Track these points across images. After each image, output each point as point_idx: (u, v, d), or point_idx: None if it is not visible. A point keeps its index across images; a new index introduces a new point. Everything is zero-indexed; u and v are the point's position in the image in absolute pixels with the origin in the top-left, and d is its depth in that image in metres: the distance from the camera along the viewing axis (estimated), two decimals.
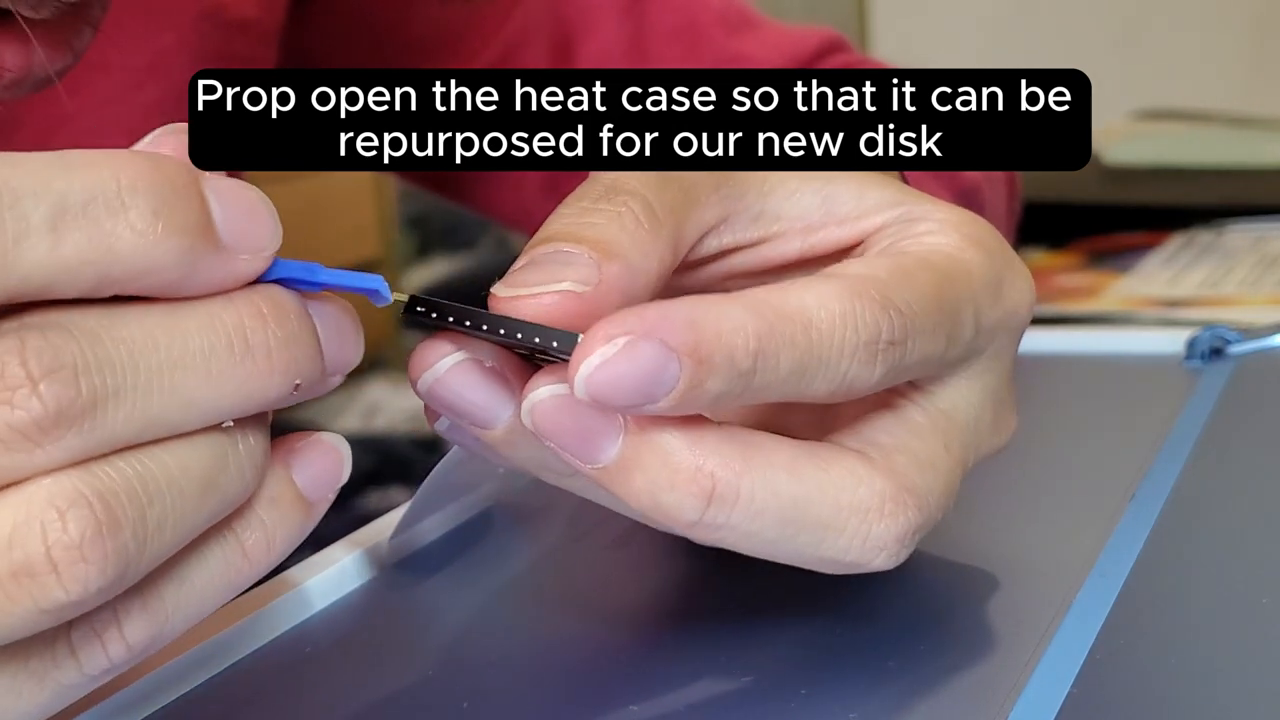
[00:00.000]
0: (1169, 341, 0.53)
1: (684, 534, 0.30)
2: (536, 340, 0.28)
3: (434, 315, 0.29)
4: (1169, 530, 0.37)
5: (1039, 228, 0.83)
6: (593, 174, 0.32)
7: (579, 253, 0.29)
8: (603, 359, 0.27)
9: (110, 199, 0.24)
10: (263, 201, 0.26)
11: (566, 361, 0.28)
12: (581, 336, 0.27)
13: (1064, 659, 0.31)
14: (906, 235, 0.33)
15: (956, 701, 0.30)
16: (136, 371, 0.24)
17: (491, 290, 0.29)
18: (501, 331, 0.28)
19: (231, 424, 0.26)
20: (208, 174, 0.26)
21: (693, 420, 0.29)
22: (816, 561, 0.30)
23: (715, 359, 0.27)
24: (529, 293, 0.28)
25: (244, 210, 0.26)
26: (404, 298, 0.29)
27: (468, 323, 0.28)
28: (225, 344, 0.25)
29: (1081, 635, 0.32)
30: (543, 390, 0.28)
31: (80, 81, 0.37)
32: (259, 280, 0.26)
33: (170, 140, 0.27)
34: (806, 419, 0.34)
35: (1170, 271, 0.76)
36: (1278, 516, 0.38)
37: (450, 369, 0.29)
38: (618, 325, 0.27)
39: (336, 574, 0.38)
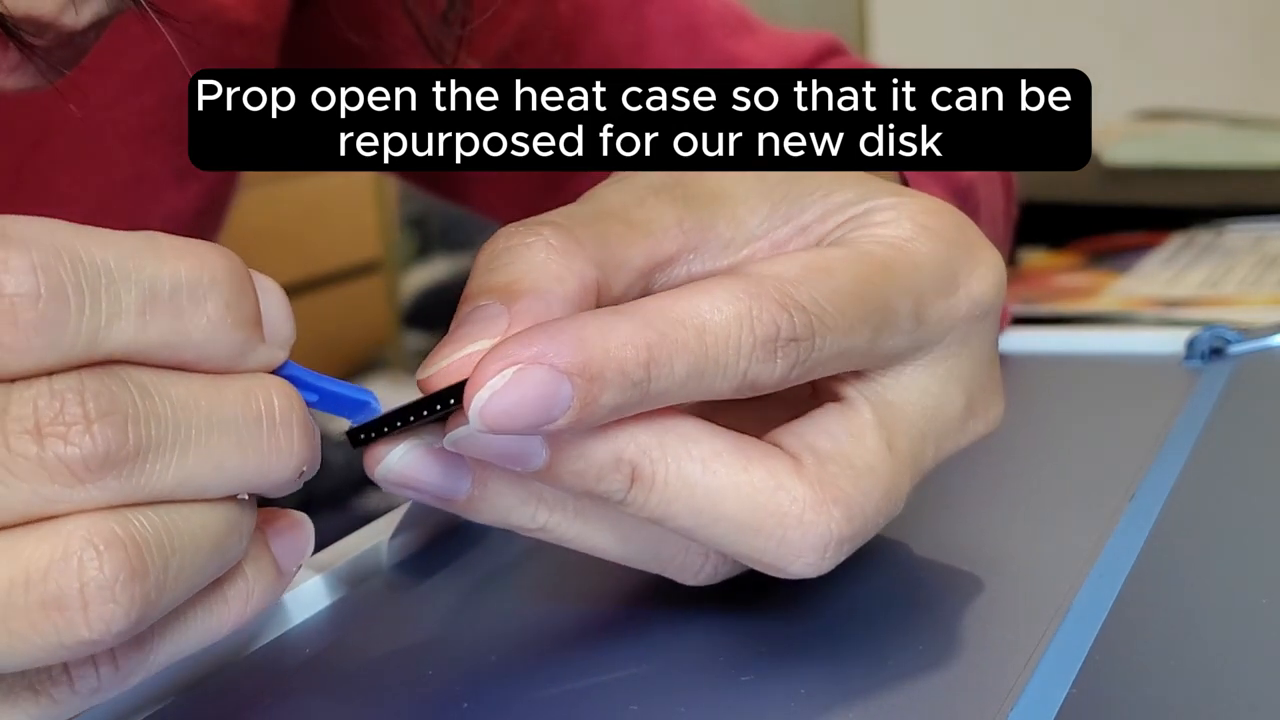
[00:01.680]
0: (1169, 341, 0.53)
1: (617, 510, 0.31)
2: (453, 401, 0.29)
3: (374, 435, 0.31)
4: (1169, 530, 0.37)
5: (1039, 228, 0.83)
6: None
7: (488, 304, 0.30)
8: (491, 391, 0.28)
9: (194, 290, 0.26)
10: (286, 298, 0.28)
11: None
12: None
13: (1064, 659, 0.31)
14: (859, 227, 0.33)
15: (956, 701, 0.30)
16: (178, 428, 0.26)
17: (417, 376, 0.30)
18: (433, 410, 0.30)
19: (246, 497, 0.28)
20: (248, 270, 0.28)
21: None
22: (738, 556, 0.31)
23: (606, 374, 0.28)
24: (442, 365, 0.30)
25: (278, 306, 0.28)
26: (344, 434, 0.31)
27: (410, 419, 0.30)
28: (256, 417, 0.27)
29: (1081, 635, 0.32)
30: (459, 431, 0.29)
31: (78, 84, 0.37)
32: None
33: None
34: (746, 408, 0.35)
35: (1170, 271, 0.76)
36: (1278, 516, 0.38)
37: (400, 458, 0.31)
38: (502, 357, 0.28)
39: (336, 574, 0.38)
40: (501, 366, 0.28)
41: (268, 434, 0.27)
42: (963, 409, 0.34)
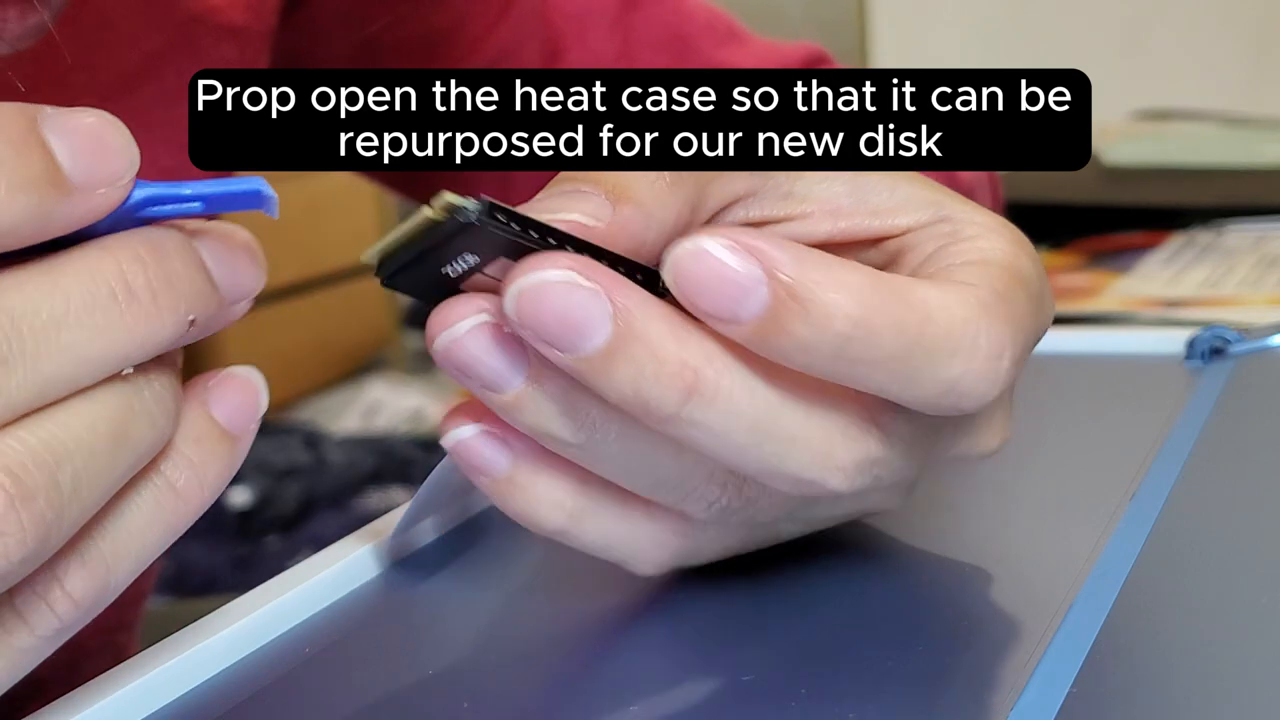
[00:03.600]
0: (1169, 341, 0.53)
1: (658, 428, 0.29)
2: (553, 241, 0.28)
3: (499, 217, 0.28)
4: (1169, 530, 0.37)
5: (1039, 228, 0.83)
6: None
7: (593, 191, 0.29)
8: (697, 249, 0.27)
9: None
10: (110, 126, 0.26)
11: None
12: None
13: (1064, 659, 0.31)
14: (956, 239, 0.33)
15: (956, 701, 0.30)
16: (22, 337, 0.24)
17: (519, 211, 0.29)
18: (552, 241, 0.28)
19: (131, 370, 0.26)
20: (46, 113, 0.25)
21: (678, 316, 0.29)
22: (776, 475, 0.30)
23: (810, 304, 0.28)
24: (548, 217, 0.29)
25: (91, 144, 0.25)
26: (438, 213, 0.28)
27: (515, 226, 0.28)
28: (107, 294, 0.25)
29: (1081, 635, 0.32)
30: (533, 276, 0.28)
31: (69, 83, 0.37)
32: (124, 209, 0.26)
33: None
34: None
35: (1170, 271, 0.76)
36: (1278, 516, 0.38)
37: (468, 331, 0.29)
38: (728, 234, 0.27)
39: (336, 574, 0.38)
40: (719, 234, 0.27)
41: (126, 306, 0.25)
42: (992, 423, 0.35)
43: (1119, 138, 1.13)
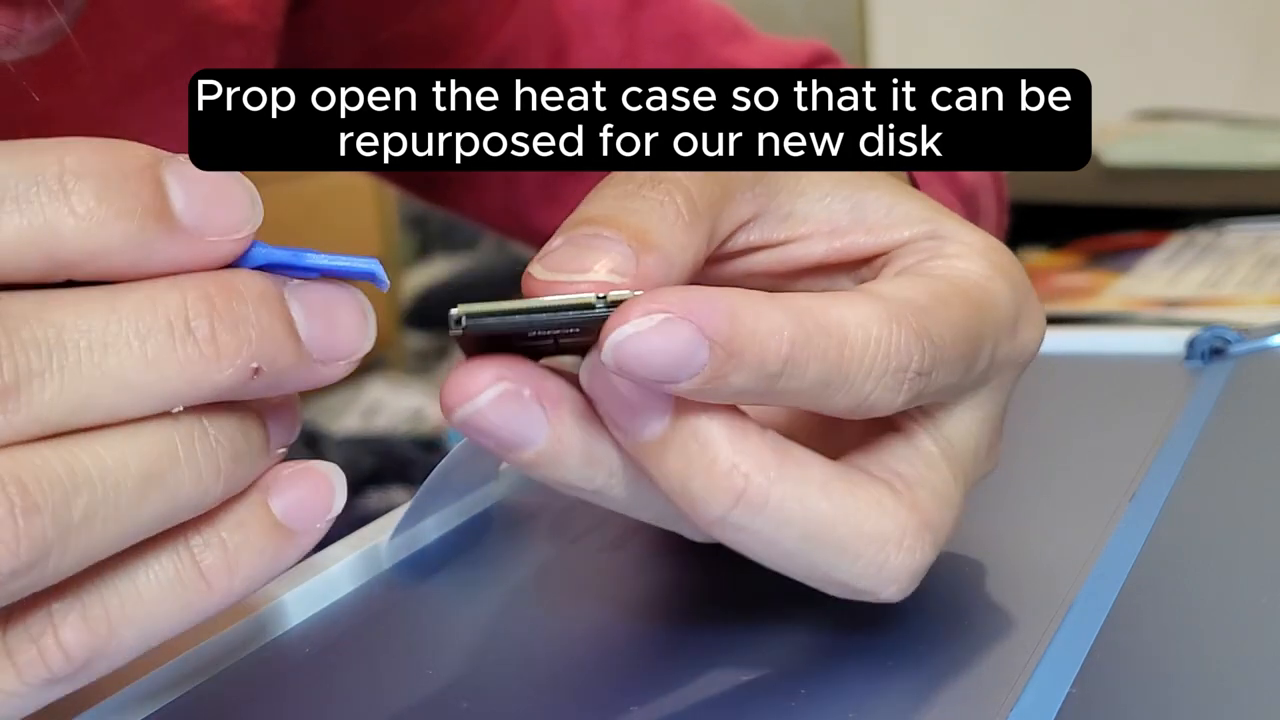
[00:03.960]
0: (1169, 341, 0.53)
1: (703, 529, 0.30)
2: (574, 328, 0.28)
3: (488, 318, 0.28)
4: (1169, 530, 0.37)
5: (1039, 228, 0.83)
6: None
7: (617, 240, 0.29)
8: (636, 330, 0.27)
9: (51, 183, 0.24)
10: (236, 183, 0.26)
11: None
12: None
13: (1064, 659, 0.31)
14: (936, 255, 0.33)
15: (956, 701, 0.30)
16: (64, 351, 0.24)
17: (528, 270, 0.29)
18: (546, 324, 0.28)
19: (181, 411, 0.25)
20: (173, 158, 0.26)
21: (738, 418, 0.29)
22: (827, 582, 0.31)
23: (746, 355, 0.28)
24: (566, 279, 0.28)
25: (209, 192, 0.25)
26: (458, 320, 0.28)
27: (516, 319, 0.28)
28: (164, 325, 0.25)
29: (1081, 635, 0.32)
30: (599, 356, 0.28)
31: (76, 84, 0.37)
32: (237, 265, 0.26)
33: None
34: (811, 423, 0.35)
35: (1170, 271, 0.76)
36: (1278, 516, 0.38)
37: (490, 402, 0.29)
38: (658, 301, 0.27)
39: (336, 574, 0.38)
40: (652, 309, 0.27)
41: (180, 342, 0.25)
42: (987, 450, 0.34)
43: (1119, 138, 1.12)
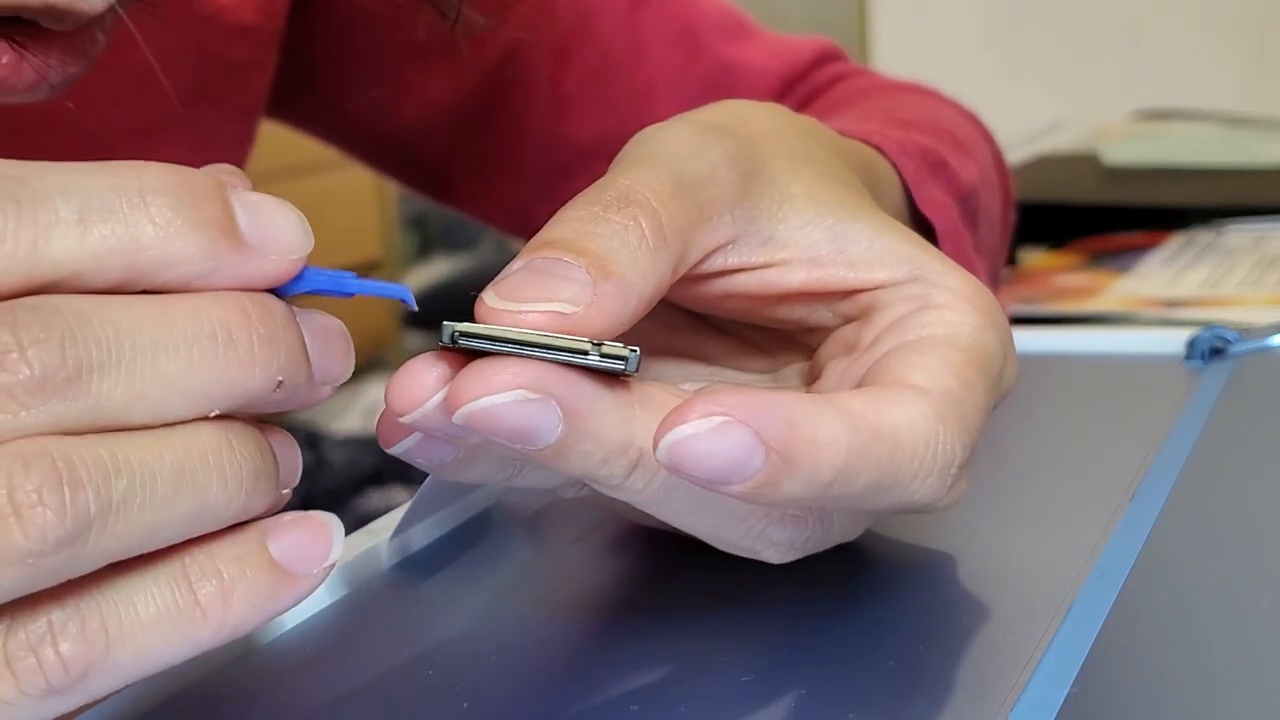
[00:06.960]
0: (1169, 341, 0.53)
1: (609, 494, 0.30)
2: (569, 356, 0.28)
3: (480, 340, 0.28)
4: (1169, 530, 0.37)
5: (1039, 228, 0.83)
6: (605, 178, 0.32)
7: (576, 266, 0.29)
8: (694, 431, 0.28)
9: (133, 196, 0.26)
10: (290, 209, 0.28)
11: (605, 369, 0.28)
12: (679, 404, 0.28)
13: (1064, 659, 0.31)
14: (926, 306, 0.33)
15: (956, 701, 0.30)
16: (121, 349, 0.25)
17: (481, 295, 0.29)
18: (537, 350, 0.28)
19: (215, 415, 0.26)
20: (234, 185, 0.27)
21: (626, 395, 0.29)
22: (713, 540, 0.32)
23: (800, 464, 0.28)
24: (516, 309, 0.29)
25: (269, 213, 0.27)
26: (450, 334, 0.29)
27: (507, 348, 0.28)
28: (209, 333, 0.26)
29: (1081, 635, 0.32)
30: (483, 402, 0.28)
31: (82, 83, 0.37)
32: (291, 286, 0.28)
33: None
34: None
35: (1170, 271, 0.76)
36: (1278, 516, 0.38)
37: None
38: (717, 404, 0.28)
39: (336, 574, 0.38)
40: (710, 412, 0.28)
41: (223, 350, 0.26)
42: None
43: (1119, 138, 1.13)
